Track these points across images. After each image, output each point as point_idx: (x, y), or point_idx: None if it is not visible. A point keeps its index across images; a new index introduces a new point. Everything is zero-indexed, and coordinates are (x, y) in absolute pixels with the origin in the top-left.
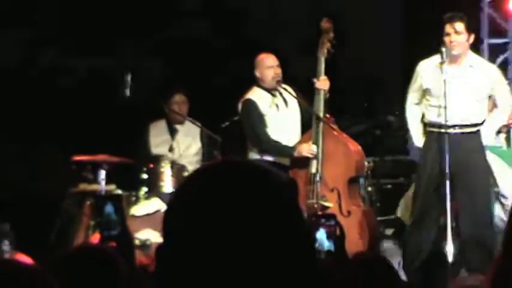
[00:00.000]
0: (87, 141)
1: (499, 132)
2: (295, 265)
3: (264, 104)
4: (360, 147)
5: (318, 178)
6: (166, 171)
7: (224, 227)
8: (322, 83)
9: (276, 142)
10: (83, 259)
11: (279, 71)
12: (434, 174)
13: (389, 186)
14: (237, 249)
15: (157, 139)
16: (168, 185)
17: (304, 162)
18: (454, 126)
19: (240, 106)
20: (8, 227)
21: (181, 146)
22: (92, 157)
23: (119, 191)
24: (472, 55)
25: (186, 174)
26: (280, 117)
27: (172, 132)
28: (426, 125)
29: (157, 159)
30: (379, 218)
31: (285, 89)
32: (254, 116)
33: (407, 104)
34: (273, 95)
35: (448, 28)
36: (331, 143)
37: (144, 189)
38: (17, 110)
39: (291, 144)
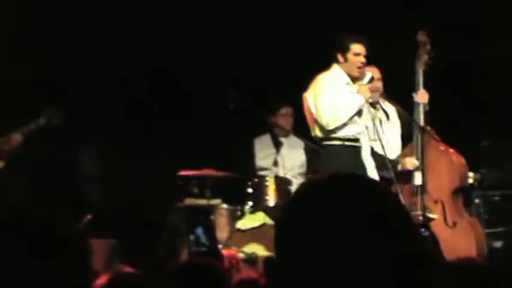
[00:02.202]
0: (193, 155)
1: None
2: (403, 277)
3: (365, 117)
4: (462, 159)
5: (423, 190)
6: (270, 185)
7: (337, 241)
8: (421, 96)
9: (380, 155)
10: (192, 273)
11: (380, 84)
12: None
13: (497, 198)
14: (351, 264)
15: (262, 153)
16: (272, 198)
17: (408, 175)
18: None
19: None
20: (116, 241)
21: (285, 160)
22: (198, 172)
23: (224, 206)
24: None
25: (290, 187)
26: (383, 130)
27: (277, 145)
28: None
29: (261, 174)
30: (486, 231)
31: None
32: None
33: None
34: (374, 108)
35: (360, 48)
36: (434, 155)
37: (249, 203)
38: (124, 125)
39: (393, 156)
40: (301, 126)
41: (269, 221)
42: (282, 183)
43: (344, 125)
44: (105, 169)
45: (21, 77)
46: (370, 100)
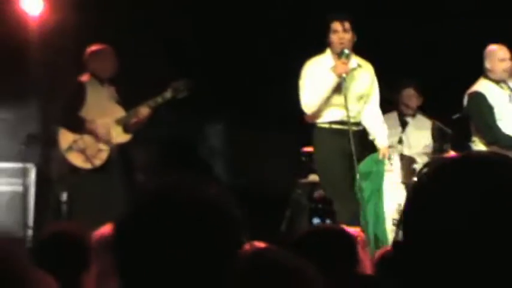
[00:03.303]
0: None
1: None
2: None
3: (492, 96)
4: None
5: None
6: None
7: (471, 224)
8: None
9: (507, 135)
10: (321, 238)
11: (510, 64)
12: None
13: None
14: (480, 248)
15: (388, 131)
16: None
17: None
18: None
19: (466, 98)
20: (244, 215)
21: (410, 139)
22: None
23: None
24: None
25: (415, 166)
26: (509, 109)
27: (403, 124)
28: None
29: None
30: None
31: None
32: (484, 108)
33: None
34: (501, 87)
35: (337, 25)
36: None
37: None
38: (250, 98)
39: None
40: (431, 107)
41: None
42: (406, 161)
43: (325, 110)
44: (231, 143)
45: (148, 51)
46: (501, 78)
